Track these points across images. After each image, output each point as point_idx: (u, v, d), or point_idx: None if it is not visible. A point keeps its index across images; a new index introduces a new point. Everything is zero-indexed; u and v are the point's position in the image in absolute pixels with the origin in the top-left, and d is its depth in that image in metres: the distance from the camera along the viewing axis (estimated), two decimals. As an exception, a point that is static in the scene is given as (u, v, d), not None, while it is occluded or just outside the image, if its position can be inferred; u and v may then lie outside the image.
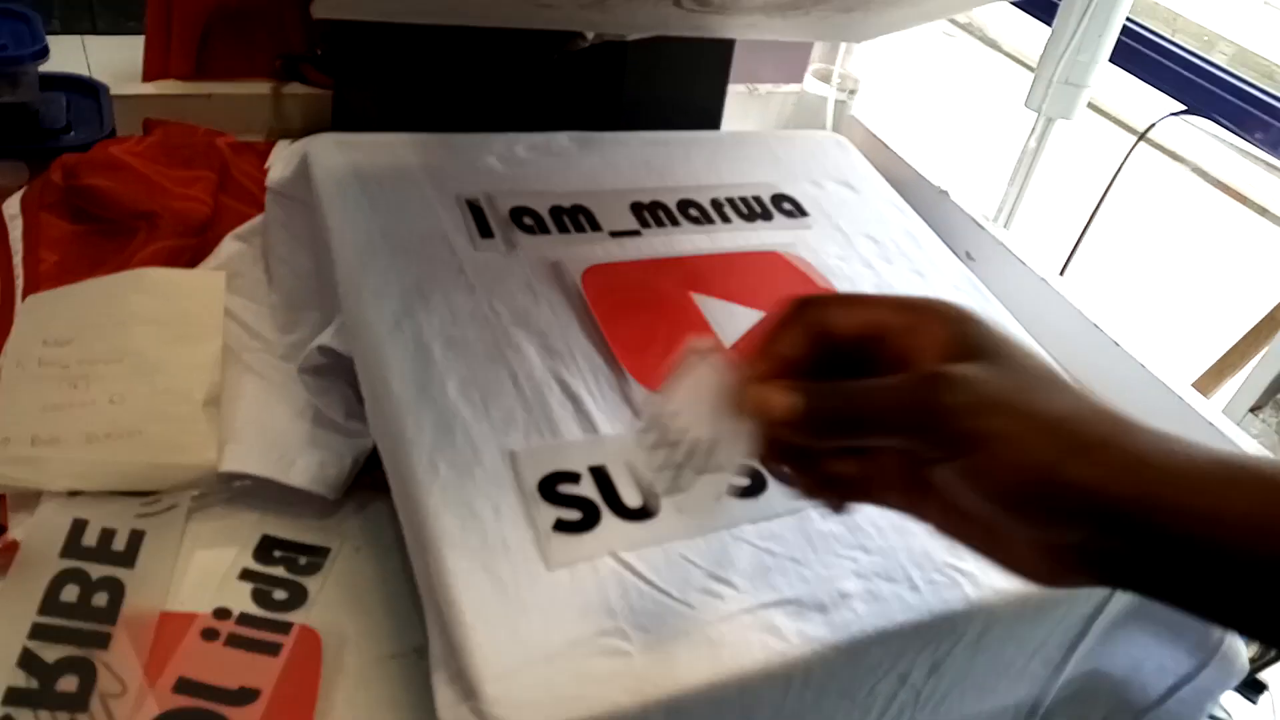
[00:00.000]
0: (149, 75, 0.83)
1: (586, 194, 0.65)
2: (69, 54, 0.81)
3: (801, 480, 0.38)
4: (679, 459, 0.37)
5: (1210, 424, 0.67)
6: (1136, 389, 0.71)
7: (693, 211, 0.66)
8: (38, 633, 0.46)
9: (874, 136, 0.91)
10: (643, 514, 0.47)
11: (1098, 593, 0.51)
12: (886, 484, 0.37)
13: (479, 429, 0.48)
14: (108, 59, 0.82)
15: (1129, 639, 0.57)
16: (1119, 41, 0.85)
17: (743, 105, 1.00)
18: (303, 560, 0.53)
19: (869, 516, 0.50)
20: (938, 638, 0.47)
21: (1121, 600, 0.53)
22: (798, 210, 0.69)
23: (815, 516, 0.49)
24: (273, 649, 0.48)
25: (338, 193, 0.59)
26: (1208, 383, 1.03)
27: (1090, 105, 0.89)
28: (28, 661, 0.45)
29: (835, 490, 0.38)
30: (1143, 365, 0.71)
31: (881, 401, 0.34)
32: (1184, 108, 1.32)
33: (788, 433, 0.35)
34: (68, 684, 0.44)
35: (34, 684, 0.44)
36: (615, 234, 0.63)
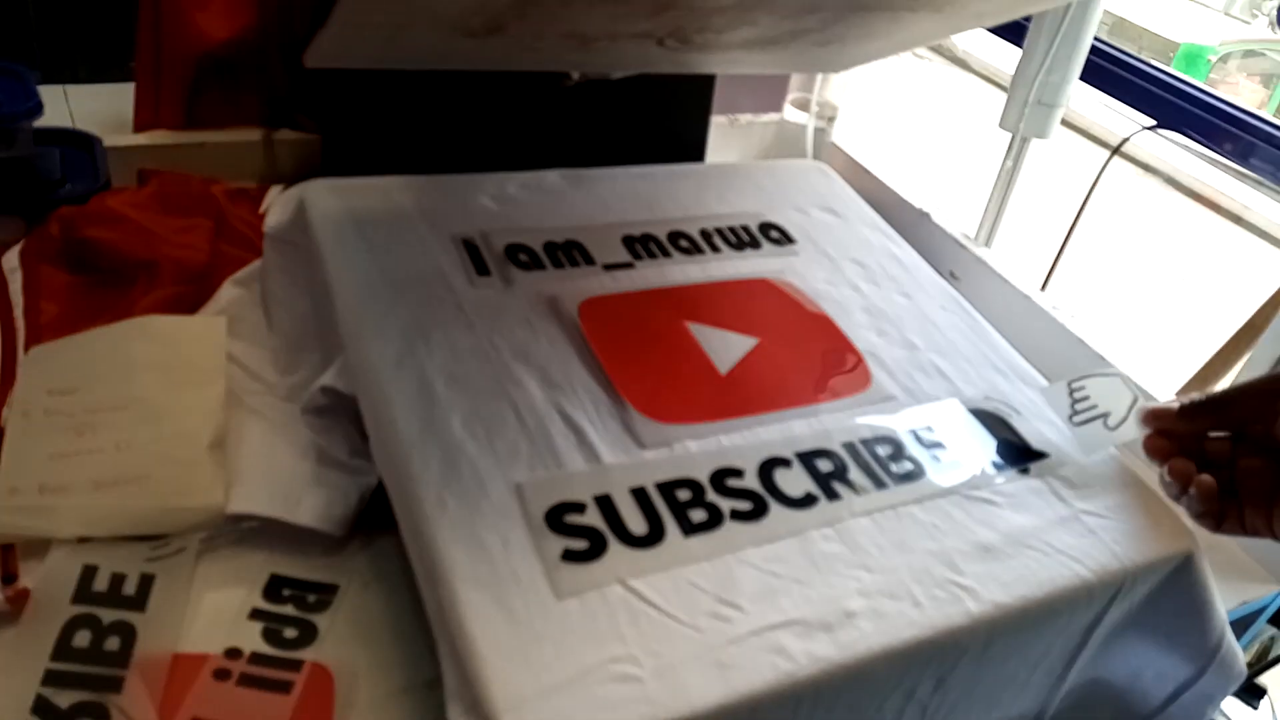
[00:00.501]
0: (139, 125, 0.84)
1: (579, 229, 0.66)
2: (51, 103, 0.82)
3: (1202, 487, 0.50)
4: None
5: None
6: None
7: (683, 242, 0.68)
8: (51, 679, 0.46)
9: (854, 162, 0.94)
10: (648, 540, 0.47)
11: (1096, 603, 0.53)
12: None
13: (484, 463, 0.49)
14: (92, 108, 0.83)
15: (1128, 648, 0.58)
16: (1087, 59, 0.87)
17: (725, 136, 1.02)
18: (312, 598, 0.54)
19: (870, 537, 0.51)
20: (942, 653, 0.48)
21: (1120, 610, 0.54)
22: (785, 237, 0.71)
23: (817, 538, 0.50)
24: (285, 687, 0.49)
25: (335, 236, 0.60)
26: (1194, 389, 1.04)
27: (1062, 121, 0.91)
28: (42, 708, 0.45)
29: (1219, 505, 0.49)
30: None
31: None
32: (1154, 123, 1.35)
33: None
34: (83, 729, 0.45)
35: (51, 731, 0.44)
36: (609, 267, 0.64)
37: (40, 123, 0.75)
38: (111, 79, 0.87)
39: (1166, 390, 0.73)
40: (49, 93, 0.84)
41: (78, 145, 0.80)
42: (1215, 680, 0.58)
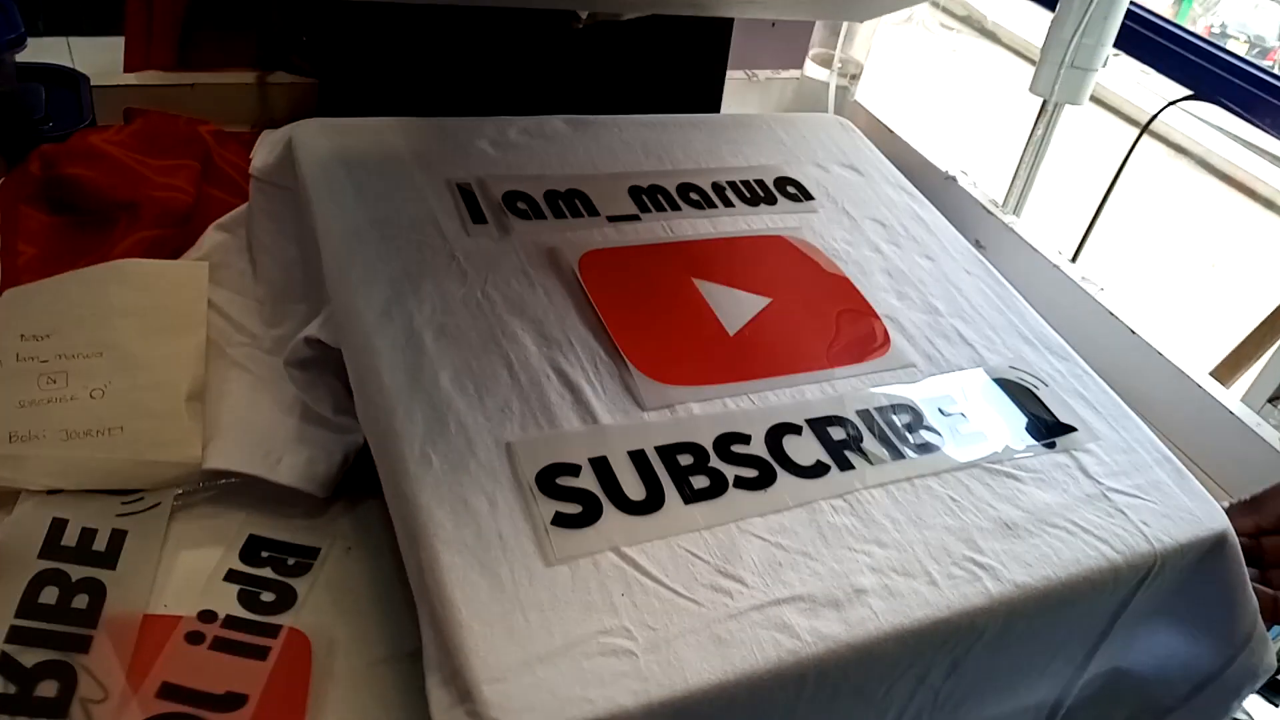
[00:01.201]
0: (130, 66, 0.81)
1: (582, 178, 0.63)
2: (54, 54, 0.79)
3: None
4: None
5: (1231, 413, 0.65)
6: (1154, 377, 0.68)
7: (693, 195, 0.64)
8: (15, 636, 0.44)
9: (878, 121, 0.89)
10: (646, 507, 0.44)
11: (1123, 586, 0.49)
12: None
13: (473, 420, 0.46)
14: (93, 58, 0.80)
15: (1153, 637, 0.55)
16: (1121, 25, 0.83)
17: (741, 92, 0.98)
18: (291, 561, 0.51)
19: (884, 510, 0.47)
20: (957, 636, 0.45)
21: (1148, 594, 0.51)
22: (802, 194, 0.67)
23: (827, 509, 0.47)
24: (260, 653, 0.46)
25: (324, 178, 0.57)
26: (1224, 373, 1.01)
27: (1090, 97, 0.87)
28: (5, 666, 0.43)
29: None
30: (1160, 354, 0.69)
31: None
32: (1190, 93, 1.30)
33: None
34: (47, 689, 0.42)
35: (11, 689, 0.42)
36: (613, 219, 0.60)
37: (26, 59, 0.72)
38: (117, 33, 0.84)
39: (1199, 369, 0.69)
40: (52, 44, 0.81)
41: (64, 84, 0.77)
42: (1243, 672, 0.55)
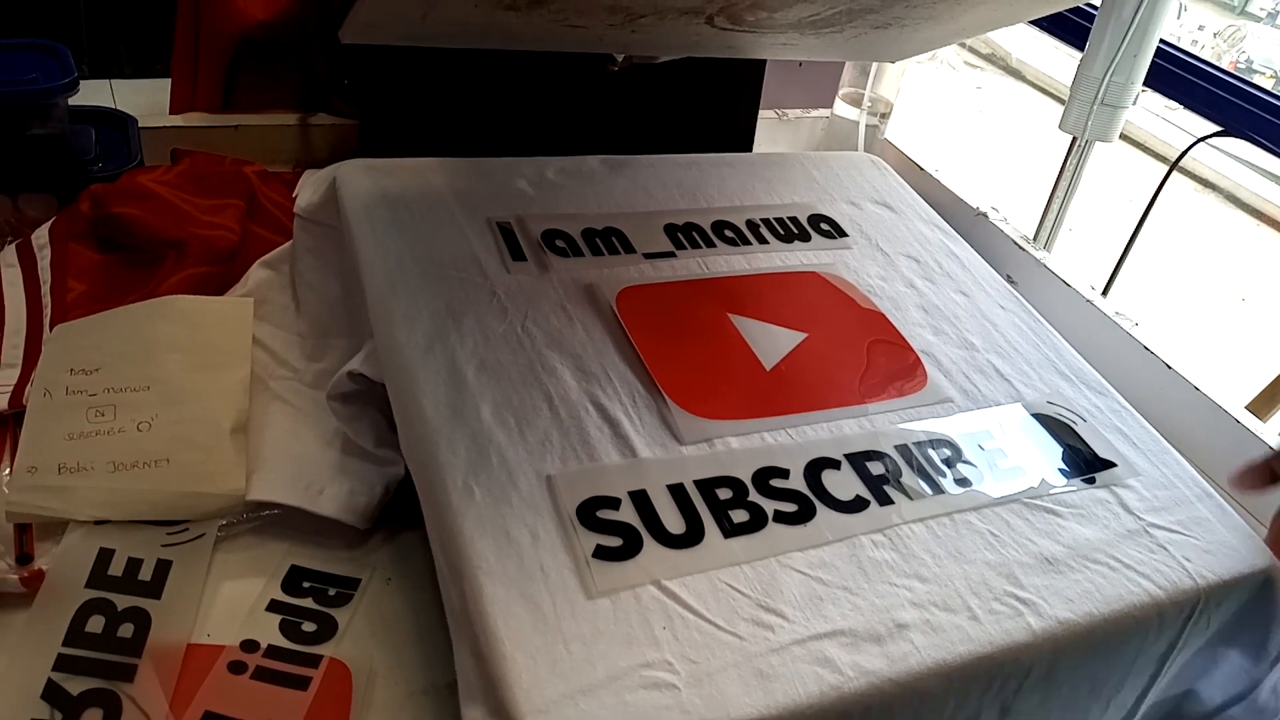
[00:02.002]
0: (176, 108, 0.83)
1: (619, 216, 0.64)
2: (98, 97, 0.82)
3: None
4: None
5: (1271, 448, 0.64)
6: (1191, 412, 0.68)
7: (728, 233, 0.65)
8: (62, 664, 0.45)
9: (908, 159, 0.90)
10: (686, 540, 0.45)
11: (1167, 628, 0.49)
12: None
13: (514, 453, 0.46)
14: (134, 100, 0.83)
15: (1195, 669, 0.54)
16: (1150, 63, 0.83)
17: (773, 131, 0.99)
18: (332, 591, 0.51)
19: (924, 544, 0.47)
20: (1003, 674, 0.44)
21: (1194, 635, 0.50)
22: (836, 230, 0.68)
23: (868, 544, 0.47)
24: (301, 683, 0.46)
25: (367, 217, 0.58)
26: (1260, 406, 1.00)
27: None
28: (52, 694, 0.43)
29: None
30: (1197, 388, 0.68)
31: None
32: (1219, 129, 1.29)
33: None
34: (92, 717, 0.43)
35: (58, 717, 0.43)
36: (649, 255, 0.61)
37: (77, 102, 0.75)
38: (156, 75, 0.86)
39: (1234, 403, 0.68)
40: (95, 86, 0.84)
41: (113, 125, 0.79)
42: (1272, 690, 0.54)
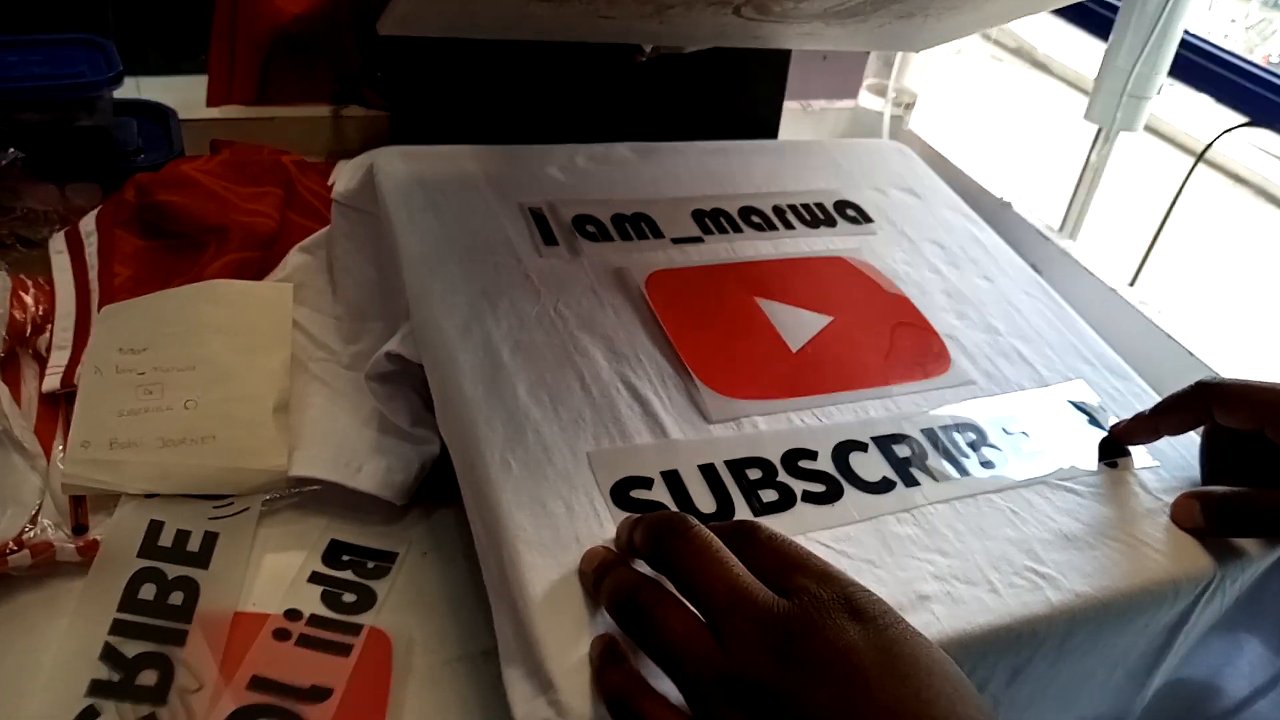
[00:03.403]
0: (213, 101, 0.85)
1: (648, 202, 0.65)
2: (131, 94, 0.84)
3: None
4: None
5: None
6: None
7: (755, 218, 0.66)
8: (118, 628, 0.47)
9: (933, 149, 0.91)
10: (717, 519, 0.46)
11: (1182, 598, 0.50)
12: None
13: (549, 430, 0.48)
14: (166, 97, 0.85)
15: (1213, 648, 0.55)
16: (1180, 56, 0.83)
17: (798, 122, 1.00)
18: (371, 564, 0.53)
19: (946, 522, 0.48)
20: (1018, 643, 0.45)
21: (1210, 609, 0.51)
22: (862, 216, 0.69)
23: (891, 520, 0.48)
24: (344, 649, 0.48)
25: (404, 202, 0.60)
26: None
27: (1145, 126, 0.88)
28: (109, 655, 0.45)
29: None
30: (1216, 374, 0.69)
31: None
32: (1247, 120, 1.29)
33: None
34: (147, 678, 0.45)
35: (116, 677, 0.45)
36: (677, 240, 0.63)
37: (119, 95, 0.77)
38: (184, 72, 0.89)
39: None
40: (129, 83, 0.86)
41: (154, 118, 0.81)
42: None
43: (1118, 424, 0.55)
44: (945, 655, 0.35)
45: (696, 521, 0.39)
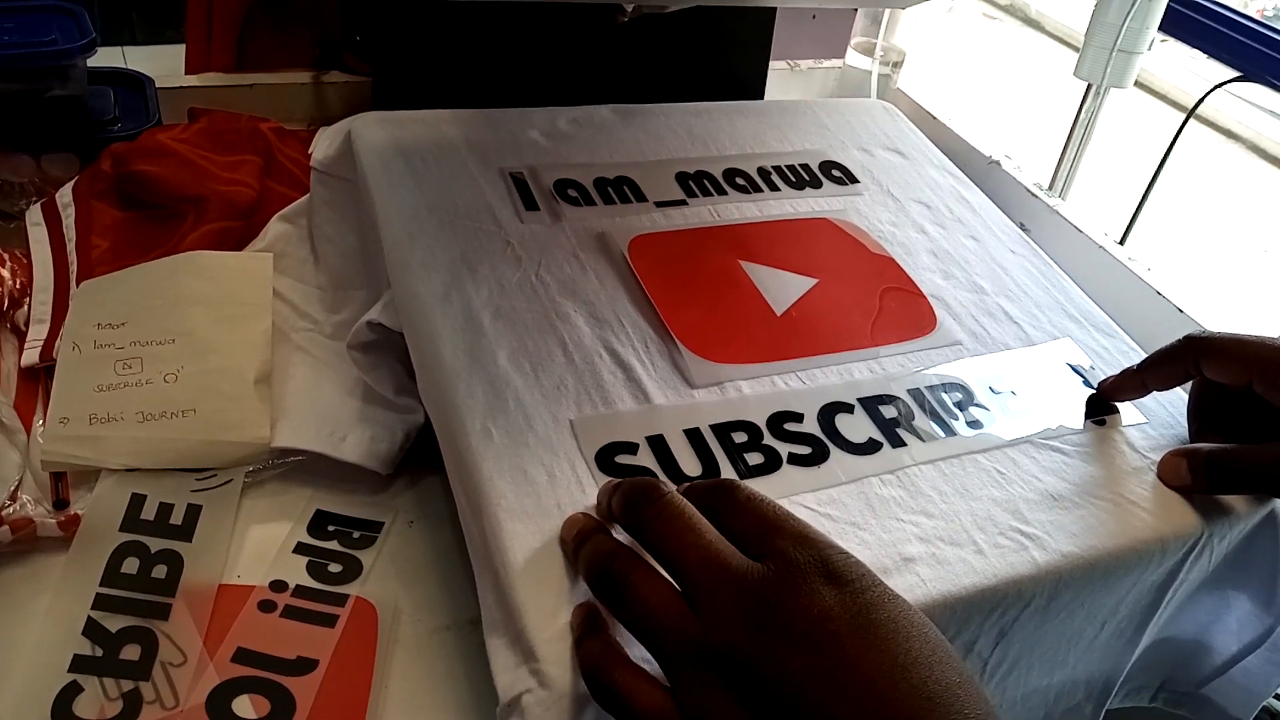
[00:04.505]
0: (191, 69, 0.84)
1: (630, 165, 0.64)
2: (110, 63, 0.82)
3: None
4: None
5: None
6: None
7: (739, 180, 0.65)
8: (101, 603, 0.46)
9: (921, 108, 0.90)
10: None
11: (1170, 557, 0.50)
12: None
13: (530, 397, 0.48)
14: (149, 66, 0.83)
15: (1199, 607, 0.55)
16: (1170, 10, 0.82)
17: (784, 82, 0.98)
18: (356, 534, 0.53)
19: (931, 483, 0.48)
20: (1005, 604, 0.45)
21: (1198, 568, 0.51)
22: (848, 177, 0.68)
23: (875, 482, 0.48)
24: (329, 620, 0.48)
25: (382, 168, 0.59)
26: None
27: (1136, 82, 0.87)
28: (92, 630, 0.45)
29: None
30: (1205, 329, 0.68)
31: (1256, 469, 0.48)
32: (1239, 75, 1.28)
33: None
34: (130, 653, 0.45)
35: (99, 652, 0.44)
36: (661, 204, 0.62)
37: (96, 64, 0.75)
38: (169, 41, 0.87)
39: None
40: (108, 54, 0.84)
41: (131, 87, 0.80)
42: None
43: (1105, 380, 0.55)
44: (925, 619, 0.35)
45: (670, 487, 0.38)
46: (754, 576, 0.34)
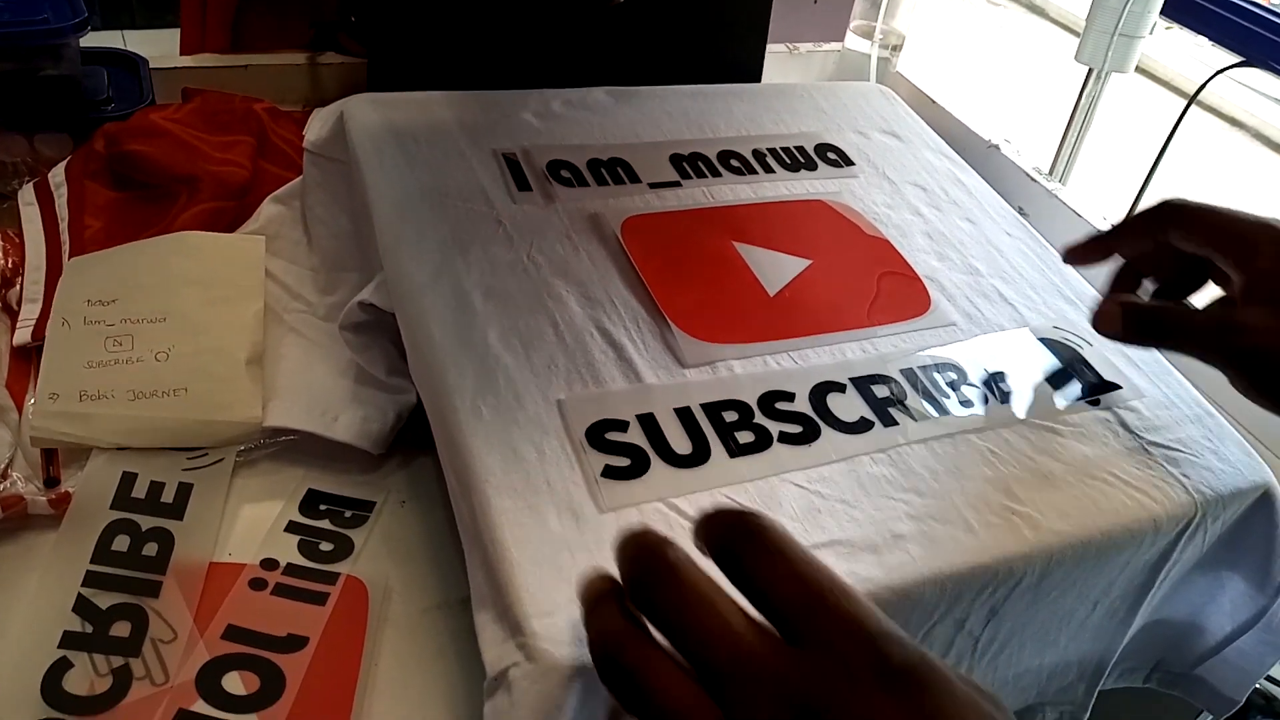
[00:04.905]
0: (186, 49, 0.84)
1: (624, 147, 0.64)
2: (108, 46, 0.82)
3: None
4: None
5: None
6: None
7: (734, 162, 0.65)
8: (91, 580, 0.46)
9: (920, 91, 0.89)
10: (692, 461, 0.46)
11: (1163, 537, 0.49)
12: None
13: (521, 376, 0.47)
14: (147, 49, 0.83)
15: (1193, 587, 0.55)
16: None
17: (783, 65, 0.98)
18: (348, 513, 0.53)
19: (923, 462, 0.48)
20: (995, 582, 0.45)
21: (1192, 548, 0.51)
22: (843, 160, 0.68)
23: (866, 460, 0.48)
24: (320, 598, 0.48)
25: (375, 150, 0.59)
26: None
27: (1137, 68, 0.86)
28: (83, 607, 0.45)
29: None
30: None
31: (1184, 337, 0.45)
32: (1241, 60, 1.26)
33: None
34: (120, 629, 0.45)
35: (89, 629, 0.44)
36: (654, 185, 0.62)
37: (90, 45, 0.75)
38: (168, 25, 0.87)
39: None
40: (108, 37, 0.84)
41: (124, 66, 0.79)
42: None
43: (1069, 245, 0.51)
44: (994, 707, 0.28)
45: (678, 550, 0.30)
46: (796, 676, 0.27)
